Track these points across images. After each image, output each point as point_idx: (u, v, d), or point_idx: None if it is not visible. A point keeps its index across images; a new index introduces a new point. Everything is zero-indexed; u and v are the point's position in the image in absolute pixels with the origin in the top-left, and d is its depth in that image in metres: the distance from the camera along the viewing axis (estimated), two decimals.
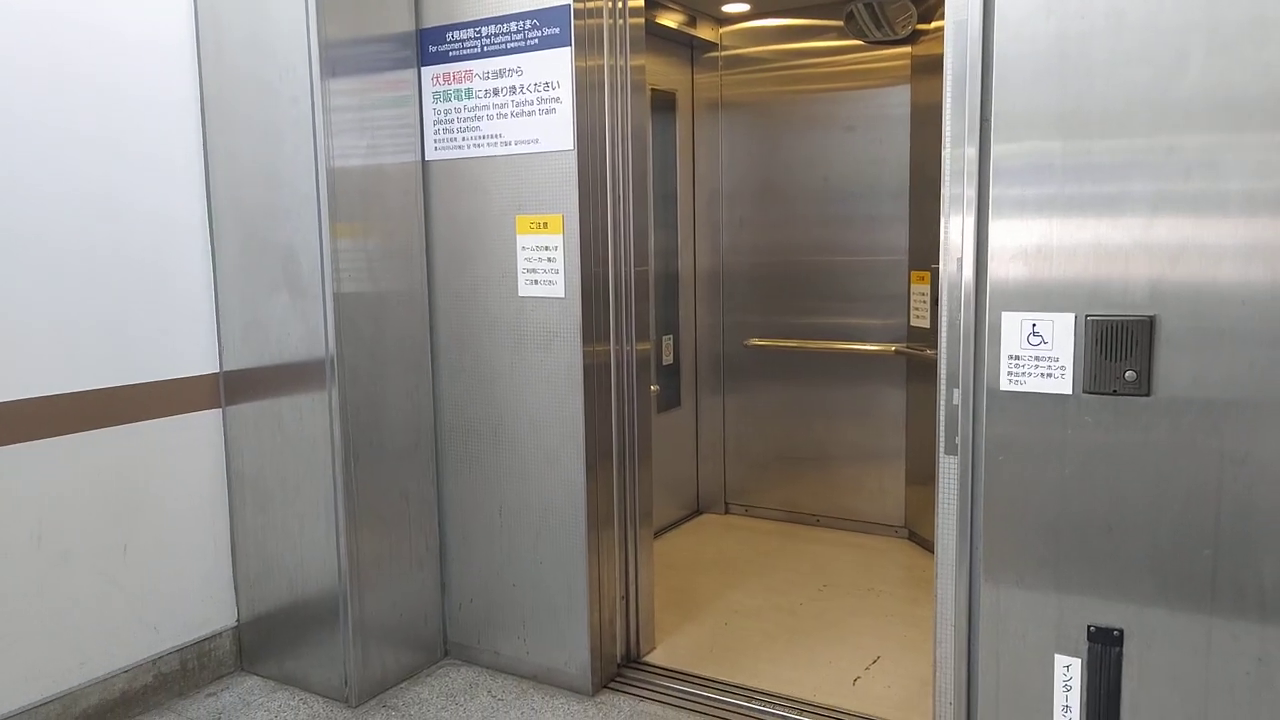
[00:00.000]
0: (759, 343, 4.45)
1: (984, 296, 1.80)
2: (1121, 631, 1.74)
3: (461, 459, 3.04)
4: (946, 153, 2.20)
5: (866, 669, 3.02)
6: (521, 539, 2.95)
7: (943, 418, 2.24)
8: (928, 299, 3.94)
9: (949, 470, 2.24)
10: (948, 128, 2.19)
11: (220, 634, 3.04)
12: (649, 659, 3.11)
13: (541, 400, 2.86)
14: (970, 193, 1.81)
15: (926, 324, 3.96)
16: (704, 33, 4.40)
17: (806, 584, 3.76)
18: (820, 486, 4.46)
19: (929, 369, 3.98)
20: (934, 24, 3.90)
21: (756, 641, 3.23)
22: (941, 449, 2.26)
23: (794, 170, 4.36)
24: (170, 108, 2.83)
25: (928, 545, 4.12)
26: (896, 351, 4.11)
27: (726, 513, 4.69)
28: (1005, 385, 1.80)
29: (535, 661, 2.98)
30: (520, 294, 2.85)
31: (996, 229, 1.78)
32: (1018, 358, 1.77)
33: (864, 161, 4.19)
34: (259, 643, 3.05)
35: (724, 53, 4.48)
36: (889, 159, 4.13)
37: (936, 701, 2.34)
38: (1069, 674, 1.80)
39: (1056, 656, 1.81)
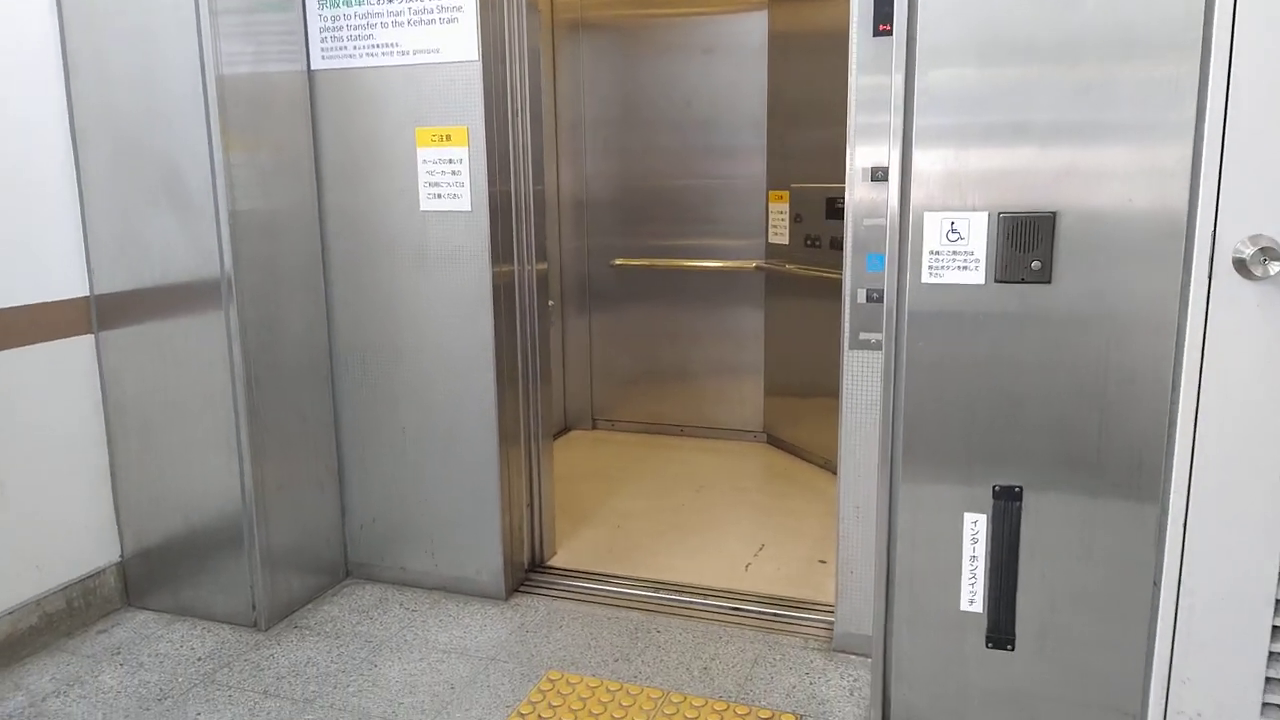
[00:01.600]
0: (623, 262, 4.57)
1: (908, 201, 2.00)
2: (1021, 488, 2.02)
3: (359, 380, 3.00)
4: (853, 81, 2.38)
5: (755, 555, 3.28)
6: (428, 456, 2.97)
7: (847, 316, 2.46)
8: (787, 217, 4.18)
9: (852, 362, 2.48)
10: (854, 56, 2.36)
11: (104, 570, 2.89)
12: (553, 563, 3.23)
13: (447, 317, 2.86)
14: (897, 122, 1.98)
15: (785, 240, 4.21)
16: None
17: (683, 487, 3.99)
18: (684, 399, 4.68)
19: (787, 285, 4.25)
20: None
21: (649, 540, 3.42)
22: (846, 345, 2.49)
23: (656, 94, 4.46)
24: (19, 5, 2.57)
25: (786, 447, 4.44)
26: (757, 268, 4.35)
27: (594, 428, 4.84)
28: (926, 279, 2.01)
29: (444, 574, 3.04)
30: (422, 208, 2.83)
31: (920, 147, 1.97)
32: (938, 253, 1.99)
33: (724, 85, 4.35)
34: (146, 576, 2.92)
35: None
36: (748, 83, 4.31)
37: (839, 571, 2.61)
38: (975, 527, 2.07)
39: (965, 514, 2.08)
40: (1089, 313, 1.90)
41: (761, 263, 4.35)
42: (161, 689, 2.49)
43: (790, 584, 3.05)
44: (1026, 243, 1.91)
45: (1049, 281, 1.91)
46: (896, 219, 2.01)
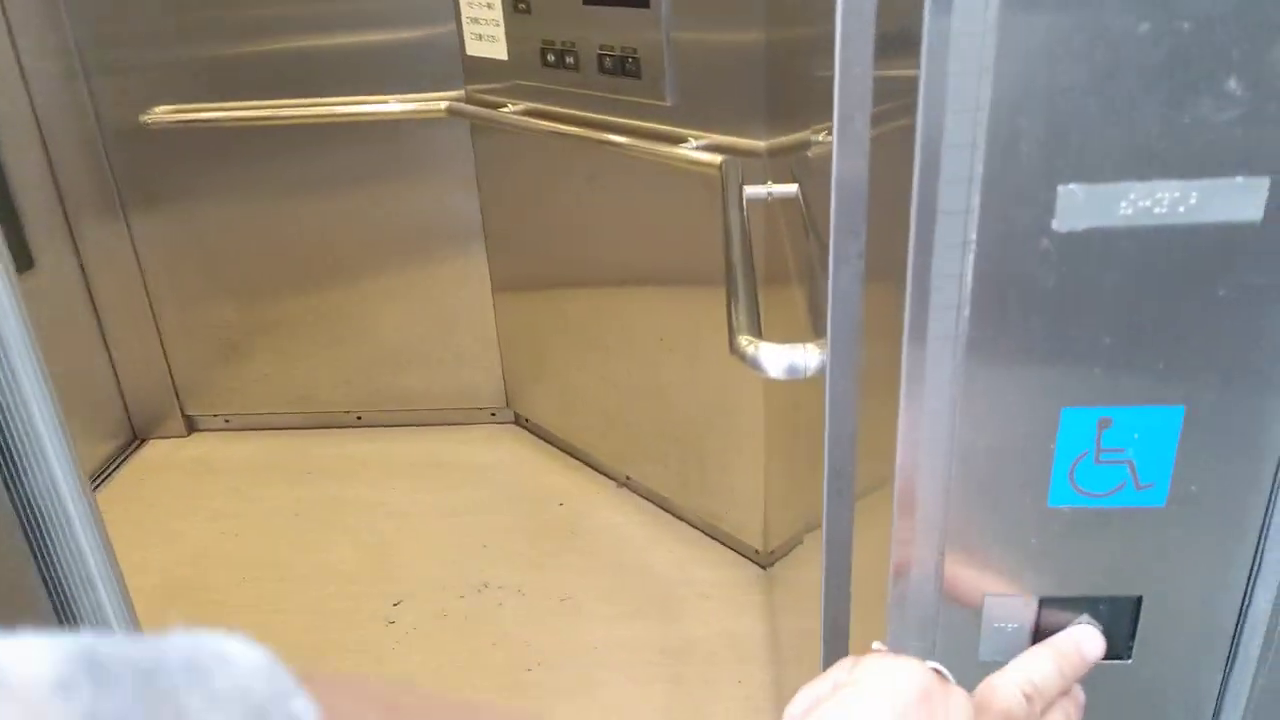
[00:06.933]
0: (170, 116, 2.17)
1: None
2: None
3: None
4: None
5: None
6: None
7: None
8: (499, 1, 1.91)
9: None
10: None
11: None
12: None
13: None
14: None
15: (501, 53, 1.96)
16: None
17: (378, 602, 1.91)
18: (352, 361, 2.49)
19: (514, 147, 2.06)
20: None
21: None
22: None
23: None
24: None
25: (542, 434, 2.40)
26: (450, 111, 2.09)
27: (190, 432, 2.58)
28: None
29: None
30: None
31: None
32: None
33: None
34: None
35: None
36: None
37: None
38: None
39: None
40: None
41: (458, 100, 2.10)
42: None
43: None
44: None
45: None
46: None
